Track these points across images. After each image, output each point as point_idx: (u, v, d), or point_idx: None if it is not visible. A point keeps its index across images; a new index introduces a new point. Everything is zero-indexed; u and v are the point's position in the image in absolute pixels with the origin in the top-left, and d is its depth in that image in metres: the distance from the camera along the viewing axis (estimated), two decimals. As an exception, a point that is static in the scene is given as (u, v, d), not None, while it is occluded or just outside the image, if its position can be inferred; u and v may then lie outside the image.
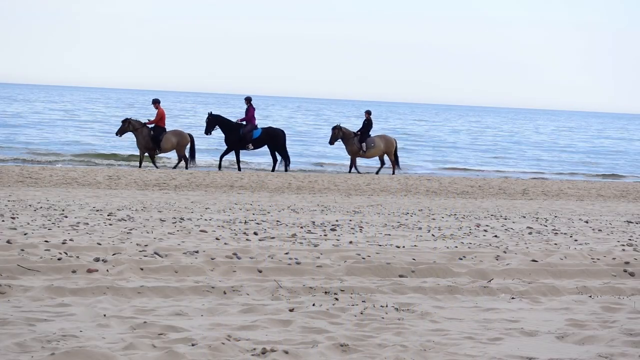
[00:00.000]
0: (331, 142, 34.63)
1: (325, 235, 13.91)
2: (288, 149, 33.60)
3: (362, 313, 8.38)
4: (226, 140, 32.87)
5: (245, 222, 15.54)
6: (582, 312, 8.86)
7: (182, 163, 32.66)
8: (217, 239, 12.89)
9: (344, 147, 34.83)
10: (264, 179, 28.64)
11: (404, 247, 12.72)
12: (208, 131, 32.92)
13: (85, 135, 50.18)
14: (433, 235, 14.48)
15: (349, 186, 27.33)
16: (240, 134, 32.50)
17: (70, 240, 11.99)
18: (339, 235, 13.93)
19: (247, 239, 13.01)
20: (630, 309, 9.01)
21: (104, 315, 7.93)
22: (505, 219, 17.87)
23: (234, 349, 6.89)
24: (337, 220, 16.33)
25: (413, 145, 59.69)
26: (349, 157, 34.57)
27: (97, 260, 10.42)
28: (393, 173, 34.22)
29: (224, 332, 7.46)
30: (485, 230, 15.45)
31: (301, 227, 14.91)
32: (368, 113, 34.65)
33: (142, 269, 10.13)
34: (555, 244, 13.81)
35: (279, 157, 33.16)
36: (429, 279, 10.48)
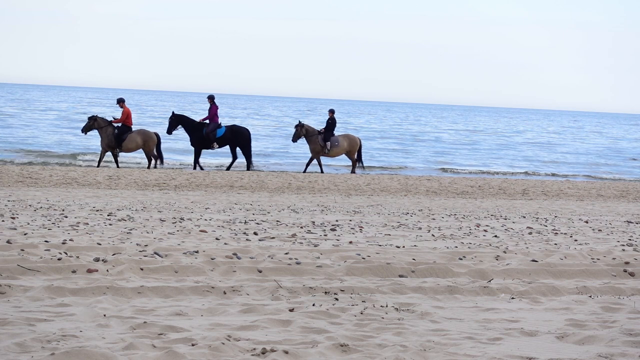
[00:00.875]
0: (294, 140, 34.22)
1: (325, 235, 13.91)
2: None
3: (362, 313, 8.38)
4: (191, 141, 32.66)
5: (245, 222, 15.54)
6: (582, 312, 8.85)
7: (153, 162, 32.47)
8: (217, 239, 12.88)
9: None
10: (264, 179, 28.65)
11: (404, 247, 12.71)
12: (170, 130, 32.73)
13: (75, 135, 50.11)
14: (433, 235, 14.48)
15: (349, 186, 27.34)
16: (204, 134, 32.27)
17: (70, 240, 11.99)
18: (339, 235, 13.92)
19: (247, 239, 13.01)
20: (630, 309, 9.01)
21: (104, 315, 7.92)
22: (505, 219, 17.87)
23: (234, 349, 6.89)
24: (337, 220, 16.33)
25: (411, 146, 59.64)
26: (310, 155, 34.11)
27: (97, 260, 10.42)
28: (352, 171, 33.84)
29: (224, 332, 7.46)
30: (485, 230, 15.45)
31: (301, 227, 14.91)
32: (331, 112, 34.35)
33: (142, 269, 10.13)
34: (555, 244, 13.81)
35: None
36: (429, 279, 10.48)
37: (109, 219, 15.05)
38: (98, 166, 32.25)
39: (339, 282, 10.03)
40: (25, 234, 12.52)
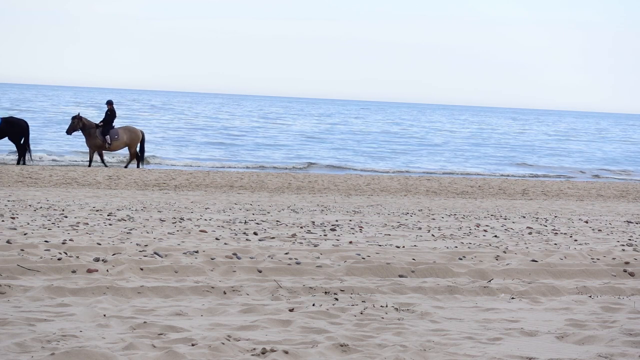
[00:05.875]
0: (68, 132, 32.71)
1: (325, 235, 13.91)
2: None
3: (362, 313, 8.38)
4: None
5: (245, 222, 15.54)
6: (582, 312, 8.85)
7: None
8: (217, 239, 12.88)
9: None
10: (264, 178, 28.66)
11: (404, 247, 12.71)
12: None
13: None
14: (433, 235, 14.48)
15: (348, 186, 27.34)
16: None
17: (70, 240, 11.99)
18: (339, 235, 13.92)
19: (247, 239, 13.01)
20: (630, 309, 9.00)
21: (104, 315, 7.92)
22: (505, 219, 17.87)
23: (234, 349, 6.88)
24: (337, 220, 16.33)
25: (408, 148, 59.59)
26: (89, 149, 32.81)
27: (97, 260, 10.42)
28: (138, 166, 32.36)
29: (224, 332, 7.46)
30: (485, 230, 15.45)
31: (301, 227, 14.91)
32: (110, 103, 32.76)
33: (142, 269, 10.13)
34: (555, 244, 13.81)
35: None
36: (428, 279, 10.48)
37: (109, 219, 15.05)
38: None
39: (339, 282, 10.03)
40: (25, 234, 12.52)
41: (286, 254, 11.53)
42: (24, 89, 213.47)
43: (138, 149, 32.85)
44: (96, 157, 33.09)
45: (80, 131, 32.62)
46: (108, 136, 32.23)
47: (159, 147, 47.45)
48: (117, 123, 33.35)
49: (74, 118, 32.62)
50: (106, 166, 32.42)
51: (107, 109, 32.70)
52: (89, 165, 32.53)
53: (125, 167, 32.66)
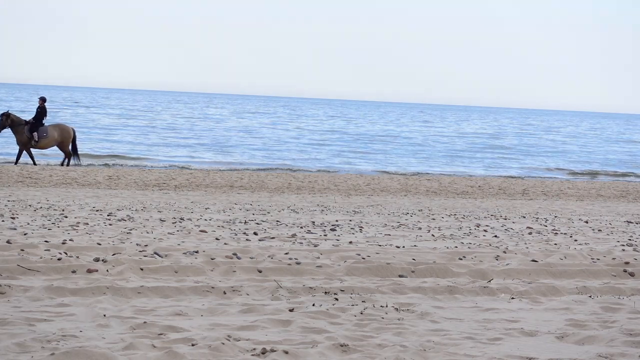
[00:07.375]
0: None
1: (325, 235, 13.90)
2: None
3: (362, 313, 8.38)
4: None
5: (245, 222, 15.54)
6: (582, 312, 8.85)
7: None
8: (217, 239, 12.88)
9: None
10: (264, 179, 28.66)
11: (404, 247, 12.71)
12: None
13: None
14: (433, 235, 14.47)
15: (349, 186, 27.34)
16: None
17: (70, 240, 11.99)
18: (339, 235, 13.92)
19: (247, 239, 13.01)
20: (630, 309, 9.00)
21: (104, 315, 7.92)
22: (505, 219, 17.87)
23: (234, 349, 6.88)
24: (337, 220, 16.32)
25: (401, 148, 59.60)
26: (19, 147, 31.96)
27: (97, 260, 10.42)
28: (67, 164, 31.88)
29: (224, 332, 7.46)
30: (485, 230, 15.45)
31: (301, 227, 14.91)
32: (42, 100, 32.02)
33: (142, 269, 10.13)
34: (555, 244, 13.81)
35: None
36: (428, 279, 10.48)
37: (109, 219, 15.05)
38: None
39: (339, 282, 10.02)
40: (25, 234, 12.52)
41: (286, 254, 11.53)
42: (23, 89, 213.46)
43: (70, 147, 32.26)
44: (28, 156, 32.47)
45: (9, 129, 32.04)
46: (36, 133, 31.61)
47: (159, 147, 47.48)
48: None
49: (2, 115, 31.90)
50: (35, 164, 31.81)
51: (38, 105, 32.03)
52: (15, 163, 31.89)
53: (61, 165, 32.17)
